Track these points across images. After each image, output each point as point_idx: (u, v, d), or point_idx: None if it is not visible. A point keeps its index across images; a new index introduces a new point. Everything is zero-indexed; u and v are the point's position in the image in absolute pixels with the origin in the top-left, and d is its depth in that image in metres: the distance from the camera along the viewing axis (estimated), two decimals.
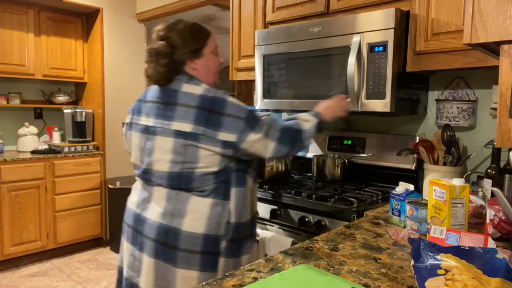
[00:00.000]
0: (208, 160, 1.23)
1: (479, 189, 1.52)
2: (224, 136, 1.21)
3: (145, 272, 1.28)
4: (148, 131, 1.29)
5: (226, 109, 1.22)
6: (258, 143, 1.25)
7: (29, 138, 3.69)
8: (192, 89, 1.26)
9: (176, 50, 1.29)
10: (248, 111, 1.26)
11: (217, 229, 1.25)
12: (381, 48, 1.64)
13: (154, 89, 1.33)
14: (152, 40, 1.33)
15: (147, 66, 1.30)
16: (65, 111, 3.76)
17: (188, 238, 1.23)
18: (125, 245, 1.38)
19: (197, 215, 1.24)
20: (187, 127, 1.21)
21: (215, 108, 1.22)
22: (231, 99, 1.25)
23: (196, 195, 1.25)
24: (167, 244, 1.24)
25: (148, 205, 1.31)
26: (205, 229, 1.24)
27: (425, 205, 1.30)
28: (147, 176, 1.31)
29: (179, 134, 1.22)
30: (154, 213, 1.28)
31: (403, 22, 1.66)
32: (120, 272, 1.42)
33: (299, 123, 1.37)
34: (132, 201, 1.38)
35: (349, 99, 1.68)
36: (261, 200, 1.87)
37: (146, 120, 1.31)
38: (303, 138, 1.34)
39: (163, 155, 1.24)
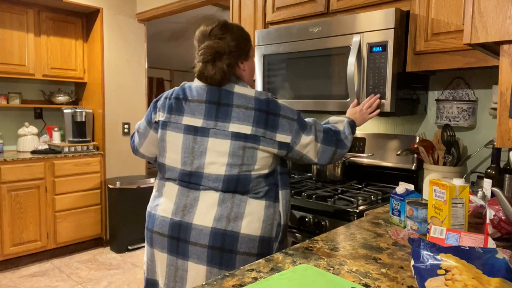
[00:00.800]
0: (263, 162, 1.25)
1: (479, 189, 1.52)
2: (280, 137, 1.24)
3: (192, 280, 1.24)
4: (196, 131, 1.25)
5: (281, 111, 1.26)
6: (310, 145, 1.29)
7: (29, 138, 3.69)
8: (244, 91, 1.26)
9: (234, 51, 1.30)
10: (298, 113, 1.30)
11: (270, 231, 1.27)
12: (381, 48, 1.64)
13: (199, 88, 1.29)
14: (202, 38, 1.34)
15: (204, 65, 1.27)
16: (65, 111, 3.76)
17: (246, 241, 1.23)
18: (160, 256, 1.30)
19: (254, 217, 1.24)
20: (247, 129, 1.21)
21: (271, 109, 1.24)
22: (280, 101, 1.30)
23: (252, 197, 1.25)
24: (224, 249, 1.22)
25: (193, 210, 1.24)
26: (261, 231, 1.25)
27: (425, 205, 1.30)
28: (195, 180, 1.25)
29: (238, 136, 1.21)
30: (204, 219, 1.22)
31: (403, 22, 1.66)
32: (152, 284, 1.36)
33: (333, 125, 1.42)
34: (165, 209, 1.29)
35: (383, 100, 1.66)
36: None
37: (192, 120, 1.26)
38: (342, 138, 1.38)
39: (218, 158, 1.22)
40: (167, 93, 1.36)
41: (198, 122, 1.24)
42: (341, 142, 1.37)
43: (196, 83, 1.31)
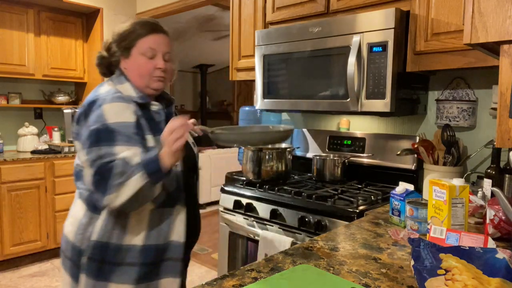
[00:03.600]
0: (77, 158, 1.25)
1: (479, 189, 1.52)
2: (78, 143, 1.21)
3: None
4: None
5: (92, 112, 1.16)
6: (86, 169, 1.15)
7: (29, 138, 3.69)
8: (101, 87, 1.27)
9: (111, 48, 1.30)
10: (104, 125, 1.12)
11: (80, 241, 1.21)
12: (381, 48, 1.64)
13: None
14: None
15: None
16: (65, 111, 3.75)
17: (65, 242, 1.27)
18: None
19: (72, 219, 1.26)
20: (74, 127, 1.23)
21: (89, 109, 1.18)
22: (108, 106, 1.15)
23: (78, 195, 1.27)
24: (62, 250, 1.29)
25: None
26: (73, 237, 1.23)
27: (425, 205, 1.30)
28: None
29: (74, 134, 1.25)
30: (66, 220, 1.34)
31: (403, 22, 1.66)
32: None
33: (128, 163, 1.09)
34: None
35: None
36: (261, 200, 1.87)
37: None
38: (118, 183, 1.07)
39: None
40: None
41: None
42: (113, 188, 1.07)
43: None
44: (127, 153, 1.10)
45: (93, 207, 1.20)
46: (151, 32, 1.26)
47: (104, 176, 1.08)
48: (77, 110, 3.82)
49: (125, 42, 1.27)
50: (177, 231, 1.24)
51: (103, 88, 1.24)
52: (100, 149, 1.10)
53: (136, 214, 1.18)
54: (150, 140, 1.20)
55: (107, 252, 1.18)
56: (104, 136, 1.12)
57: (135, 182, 1.06)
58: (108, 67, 1.32)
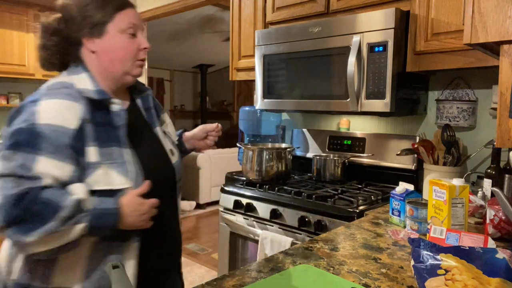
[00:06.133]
0: None
1: (479, 189, 1.52)
2: None
3: None
4: None
5: (26, 109, 0.91)
6: None
7: None
8: (48, 83, 0.97)
9: (71, 25, 0.97)
10: (30, 125, 0.86)
11: (5, 276, 0.94)
12: (381, 48, 1.64)
13: None
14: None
15: (37, 47, 1.01)
16: None
17: None
18: None
19: (5, 245, 0.97)
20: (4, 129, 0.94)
21: (25, 105, 0.93)
22: (46, 103, 0.90)
23: None
24: None
25: None
26: (1, 266, 0.95)
27: (425, 205, 1.30)
28: None
29: None
30: None
31: (403, 22, 1.66)
32: None
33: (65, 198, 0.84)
34: None
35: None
36: (261, 200, 1.87)
37: None
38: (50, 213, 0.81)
39: None
40: None
41: None
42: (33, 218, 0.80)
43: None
44: (76, 187, 0.85)
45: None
46: (128, 5, 1.02)
47: (28, 207, 0.79)
48: None
49: (99, 14, 0.97)
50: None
51: (51, 81, 0.98)
52: (14, 155, 0.83)
53: (71, 248, 0.88)
54: (91, 153, 0.91)
55: None
56: (26, 139, 0.85)
57: (73, 233, 0.83)
58: (64, 52, 1.00)
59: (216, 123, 1.35)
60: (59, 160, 0.86)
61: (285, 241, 1.68)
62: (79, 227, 0.83)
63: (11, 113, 0.94)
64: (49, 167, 0.84)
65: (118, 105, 1.00)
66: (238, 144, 2.26)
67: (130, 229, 0.92)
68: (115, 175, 0.92)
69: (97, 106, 0.97)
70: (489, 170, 1.53)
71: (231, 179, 2.23)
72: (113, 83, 1.03)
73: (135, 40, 1.01)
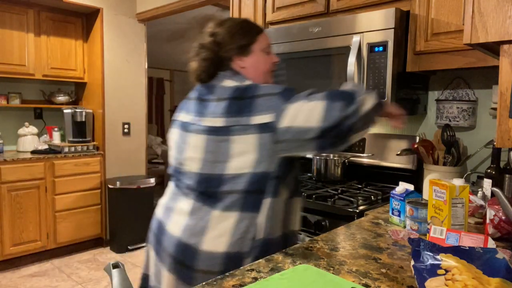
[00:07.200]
0: (241, 160, 1.08)
1: (479, 189, 1.52)
2: (258, 119, 1.06)
3: (165, 286, 1.17)
4: (184, 127, 1.22)
5: (259, 91, 1.11)
6: (301, 114, 1.04)
7: (29, 138, 3.69)
8: (230, 83, 1.16)
9: (223, 46, 1.21)
10: (284, 88, 1.11)
11: (240, 246, 1.09)
12: (381, 48, 1.64)
13: (198, 86, 1.27)
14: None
15: (191, 61, 1.24)
16: (65, 111, 3.76)
17: (207, 258, 1.09)
18: (150, 253, 1.26)
19: (219, 231, 1.10)
20: (218, 121, 1.10)
21: (247, 94, 1.11)
22: (267, 84, 1.15)
23: (220, 208, 1.11)
24: (184, 264, 1.12)
25: (171, 215, 1.19)
26: (228, 247, 1.09)
27: (425, 205, 1.30)
28: (178, 176, 1.22)
29: (211, 130, 1.12)
30: (175, 226, 1.16)
31: (403, 22, 1.66)
32: (145, 279, 1.30)
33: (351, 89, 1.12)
34: (161, 204, 1.27)
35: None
36: None
37: (184, 116, 1.24)
38: (356, 97, 1.06)
39: (194, 153, 1.15)
40: None
41: (187, 118, 1.23)
42: (352, 102, 1.04)
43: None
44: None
45: (252, 207, 1.09)
46: (263, 29, 1.30)
47: (340, 92, 1.08)
48: (77, 110, 3.84)
49: (247, 38, 1.23)
50: (297, 220, 1.25)
51: (233, 85, 1.16)
52: (304, 94, 1.09)
53: (276, 204, 1.12)
54: None
55: (268, 246, 1.13)
56: (293, 90, 1.12)
57: (371, 100, 1.07)
58: (217, 66, 1.21)
59: None
60: None
61: None
62: (372, 95, 1.08)
63: (234, 95, 1.13)
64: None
65: None
66: None
67: (380, 114, 1.14)
68: None
69: None
70: (489, 170, 1.53)
71: None
72: None
73: (270, 56, 1.28)
